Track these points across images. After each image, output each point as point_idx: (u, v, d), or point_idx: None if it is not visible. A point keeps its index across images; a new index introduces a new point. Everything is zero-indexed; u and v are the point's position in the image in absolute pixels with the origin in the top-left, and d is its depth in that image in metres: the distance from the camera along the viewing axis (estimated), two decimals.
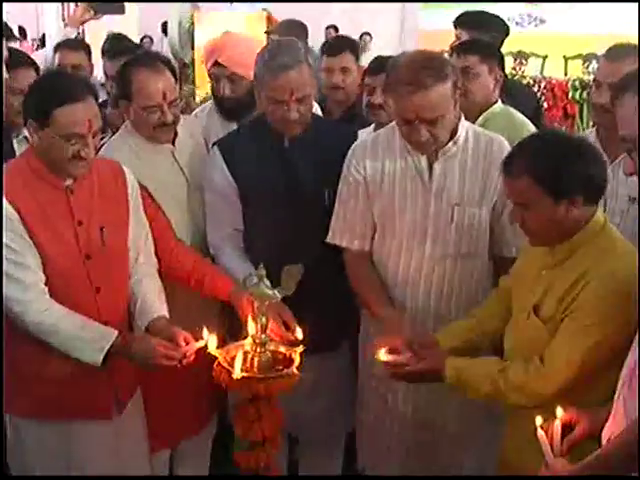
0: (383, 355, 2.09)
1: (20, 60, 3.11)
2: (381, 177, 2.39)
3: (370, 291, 2.40)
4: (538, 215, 1.93)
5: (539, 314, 1.99)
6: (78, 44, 3.50)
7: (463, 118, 2.40)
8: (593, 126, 2.79)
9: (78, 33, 5.85)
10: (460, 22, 3.73)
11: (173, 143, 2.60)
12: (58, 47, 3.57)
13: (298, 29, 4.51)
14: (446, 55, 3.07)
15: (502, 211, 2.35)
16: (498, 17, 3.96)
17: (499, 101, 3.10)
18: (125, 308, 2.35)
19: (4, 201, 2.08)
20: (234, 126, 2.93)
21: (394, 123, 2.37)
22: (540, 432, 1.67)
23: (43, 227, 2.13)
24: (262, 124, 2.53)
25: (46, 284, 2.15)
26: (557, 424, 1.67)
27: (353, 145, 2.47)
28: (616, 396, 1.59)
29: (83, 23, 4.86)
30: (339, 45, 3.55)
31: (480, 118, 2.99)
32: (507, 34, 3.77)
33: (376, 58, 3.25)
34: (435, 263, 2.39)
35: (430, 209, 2.35)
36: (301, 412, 2.36)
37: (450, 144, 2.32)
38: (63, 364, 2.17)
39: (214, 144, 2.61)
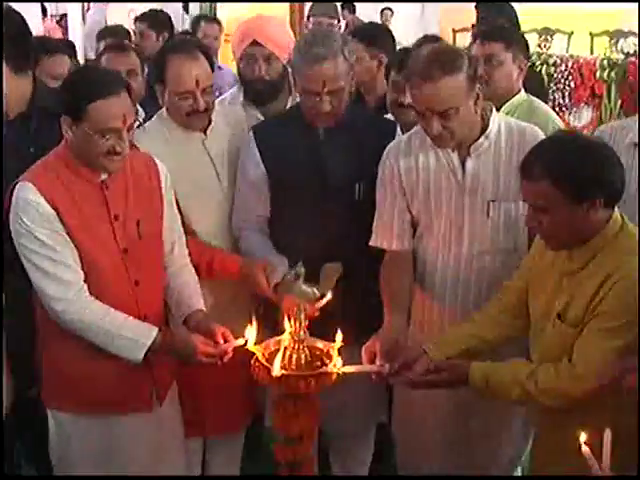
0: (344, 367, 2.03)
1: (55, 46, 3.15)
2: (416, 175, 2.38)
3: (390, 295, 2.39)
4: (557, 218, 1.91)
5: (565, 320, 1.98)
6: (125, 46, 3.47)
7: (495, 111, 2.37)
8: (620, 109, 2.73)
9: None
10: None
11: (205, 132, 2.59)
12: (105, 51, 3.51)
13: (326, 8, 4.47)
14: (469, 36, 3.04)
15: None
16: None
17: (522, 90, 3.06)
18: (162, 300, 2.37)
19: (41, 198, 2.08)
20: (258, 114, 2.93)
21: None
22: (585, 448, 1.65)
23: (80, 223, 2.13)
24: (299, 113, 2.53)
25: (85, 280, 2.15)
26: (607, 434, 1.63)
27: (388, 146, 2.46)
28: None
29: None
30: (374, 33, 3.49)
31: (503, 107, 2.94)
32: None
33: (400, 52, 3.13)
34: (473, 259, 2.38)
35: (465, 206, 2.34)
36: (329, 404, 2.36)
37: (482, 139, 2.31)
38: (104, 360, 2.19)
39: (251, 129, 2.61)
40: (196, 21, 4.92)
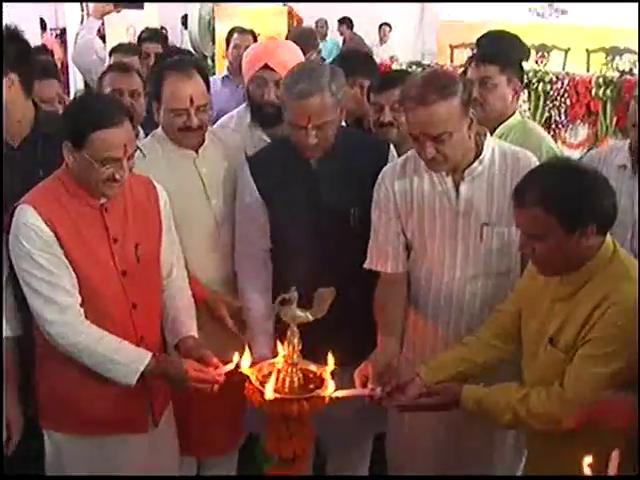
0: (335, 392, 2.03)
1: (45, 69, 3.18)
2: (411, 199, 2.41)
3: (384, 319, 2.40)
4: (550, 246, 1.92)
5: (557, 345, 1.99)
6: (129, 67, 3.49)
7: (489, 136, 2.40)
8: (616, 127, 2.75)
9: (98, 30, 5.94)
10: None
11: (197, 151, 2.62)
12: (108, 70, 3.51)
13: (307, 38, 4.48)
14: (468, 51, 3.07)
15: None
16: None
17: (517, 112, 3.09)
18: (159, 323, 2.40)
19: (41, 222, 2.10)
20: (263, 136, 2.97)
21: None
22: (587, 470, 1.65)
23: (79, 246, 2.16)
24: (292, 143, 2.54)
25: (82, 304, 2.18)
26: (615, 455, 1.63)
27: (384, 169, 2.48)
28: None
29: (105, 15, 4.94)
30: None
31: (497, 130, 2.98)
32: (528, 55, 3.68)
33: (380, 76, 3.17)
34: (466, 282, 2.40)
35: (459, 229, 2.36)
36: (329, 414, 2.38)
37: (475, 163, 2.33)
38: (101, 381, 2.20)
39: (246, 159, 2.63)
40: (230, 33, 4.93)
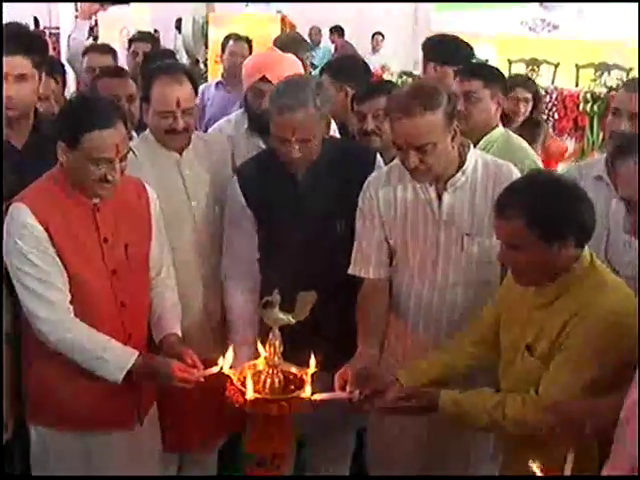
0: (315, 395, 2.08)
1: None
2: (394, 207, 2.45)
3: (365, 324, 2.44)
4: (529, 257, 1.95)
5: (534, 354, 2.03)
6: (123, 72, 3.51)
7: (472, 148, 2.45)
8: (603, 141, 2.82)
9: (91, 30, 5.97)
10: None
11: (182, 153, 2.66)
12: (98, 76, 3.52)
13: (298, 43, 4.51)
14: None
15: None
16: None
17: (500, 125, 3.15)
18: (146, 321, 2.43)
19: (34, 220, 2.14)
20: (260, 143, 3.04)
21: None
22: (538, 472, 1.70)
23: (70, 245, 2.20)
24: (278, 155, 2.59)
25: (72, 301, 2.22)
26: (570, 457, 1.68)
27: (369, 177, 2.52)
28: (615, 438, 1.62)
29: (93, 14, 4.96)
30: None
31: (481, 142, 3.03)
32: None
33: (362, 86, 3.21)
34: (447, 291, 2.44)
35: (440, 239, 2.41)
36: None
37: (459, 174, 2.38)
38: (88, 378, 2.24)
39: (235, 169, 2.69)
40: (225, 39, 5.01)
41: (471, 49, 3.76)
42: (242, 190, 2.60)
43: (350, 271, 2.52)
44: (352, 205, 2.52)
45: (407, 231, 2.44)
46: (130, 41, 4.84)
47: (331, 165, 2.55)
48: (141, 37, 4.84)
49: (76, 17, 6.85)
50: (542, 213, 1.91)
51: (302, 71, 3.18)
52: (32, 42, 2.50)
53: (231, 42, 4.86)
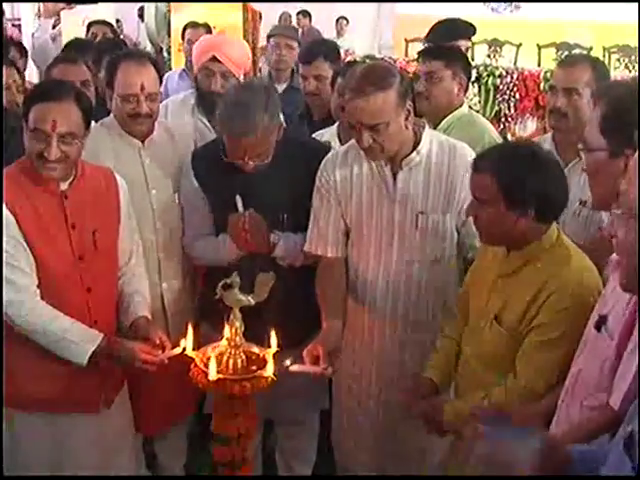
0: (292, 365, 2.19)
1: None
2: (350, 186, 2.50)
3: (326, 301, 2.52)
4: (490, 215, 2.04)
5: (502, 324, 2.09)
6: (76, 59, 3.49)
7: (428, 127, 2.51)
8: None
9: (55, 21, 5.92)
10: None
11: (144, 142, 2.69)
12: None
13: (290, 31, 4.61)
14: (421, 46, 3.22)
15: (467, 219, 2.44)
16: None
17: (464, 105, 3.21)
18: (114, 307, 2.48)
19: (2, 206, 2.18)
20: (205, 121, 3.14)
21: None
22: None
23: (38, 230, 2.24)
24: None
25: (39, 285, 2.26)
26: None
27: (325, 157, 2.57)
28: (560, 400, 1.70)
29: (57, 13, 4.93)
30: (312, 52, 3.56)
31: (444, 122, 3.11)
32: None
33: (349, 62, 3.34)
34: (402, 269, 2.50)
35: (395, 217, 2.46)
36: (274, 393, 2.48)
37: (414, 154, 2.43)
38: (55, 361, 2.29)
39: (191, 154, 2.72)
40: (184, 28, 5.03)
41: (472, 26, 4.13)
42: (195, 174, 2.65)
43: (306, 249, 2.57)
44: (300, 200, 2.57)
45: (362, 210, 2.50)
46: (89, 25, 4.83)
47: (283, 160, 2.56)
48: (99, 21, 4.85)
49: (38, 16, 6.78)
50: (511, 174, 1.99)
51: (249, 54, 3.31)
52: None
53: (189, 30, 4.88)
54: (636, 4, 6.98)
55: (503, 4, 11.13)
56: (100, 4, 7.89)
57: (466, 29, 4.10)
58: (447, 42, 3.65)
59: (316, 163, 2.57)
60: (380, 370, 2.61)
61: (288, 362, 2.17)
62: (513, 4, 11.07)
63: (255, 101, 2.46)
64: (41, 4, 5.62)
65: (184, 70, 4.74)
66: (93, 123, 2.82)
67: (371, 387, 2.63)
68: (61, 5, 4.67)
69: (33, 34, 4.59)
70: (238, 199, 2.46)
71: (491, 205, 2.02)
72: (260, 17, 8.19)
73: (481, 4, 10.96)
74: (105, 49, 3.73)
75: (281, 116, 2.64)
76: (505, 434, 1.45)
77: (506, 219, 2.01)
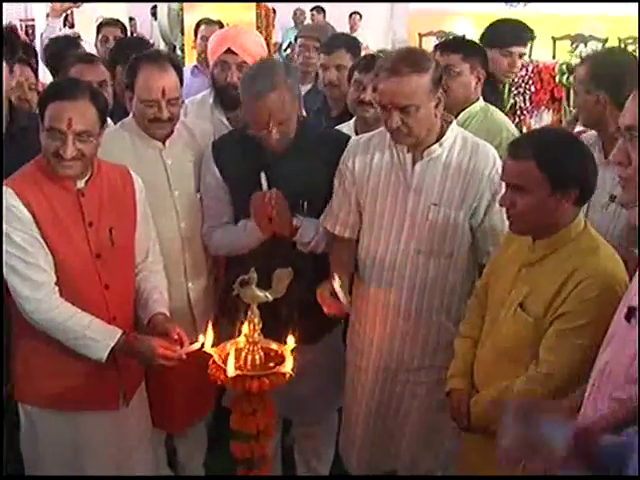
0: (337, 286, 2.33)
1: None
2: (368, 170, 2.52)
3: (336, 262, 2.58)
4: (531, 201, 2.02)
5: (526, 311, 2.07)
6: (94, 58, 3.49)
7: (455, 124, 2.51)
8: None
9: (66, 19, 5.92)
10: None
11: (165, 142, 2.68)
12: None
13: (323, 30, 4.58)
14: (434, 40, 3.18)
15: (483, 218, 2.46)
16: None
17: (480, 99, 3.19)
18: (132, 303, 2.48)
19: (20, 203, 2.19)
20: (223, 119, 3.12)
21: None
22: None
23: (55, 228, 2.25)
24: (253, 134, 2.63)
25: (57, 283, 2.27)
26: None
27: (351, 140, 2.62)
28: (587, 394, 1.68)
29: (64, 12, 4.92)
30: (334, 43, 3.58)
31: (461, 115, 3.08)
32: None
33: (365, 56, 3.30)
34: (408, 258, 2.50)
35: (408, 205, 2.47)
36: (293, 393, 2.48)
37: (436, 145, 2.43)
38: (74, 358, 2.30)
39: (210, 144, 2.72)
40: (197, 25, 5.02)
41: (531, 31, 3.89)
42: (216, 163, 2.65)
43: (321, 222, 2.62)
44: (319, 186, 2.60)
45: (378, 195, 2.52)
46: (99, 27, 4.82)
47: (303, 147, 2.59)
48: (110, 22, 4.83)
49: (47, 15, 6.78)
50: (554, 158, 2.00)
51: (264, 45, 3.28)
52: None
53: (203, 26, 4.86)
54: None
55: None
56: (114, 3, 7.95)
57: (525, 34, 3.86)
58: (503, 47, 3.59)
59: (337, 151, 2.60)
60: (380, 360, 2.62)
61: (337, 281, 2.31)
62: None
63: (275, 65, 2.58)
64: (49, 5, 5.62)
65: (196, 66, 4.74)
66: (112, 124, 2.86)
67: (374, 378, 2.65)
68: (67, 5, 4.64)
69: (42, 34, 4.58)
70: (263, 177, 2.48)
71: (533, 191, 2.01)
72: (274, 12, 8.21)
73: None
74: (123, 47, 3.72)
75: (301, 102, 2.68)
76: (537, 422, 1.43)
77: (549, 204, 2.01)
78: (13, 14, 11.10)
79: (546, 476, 1.59)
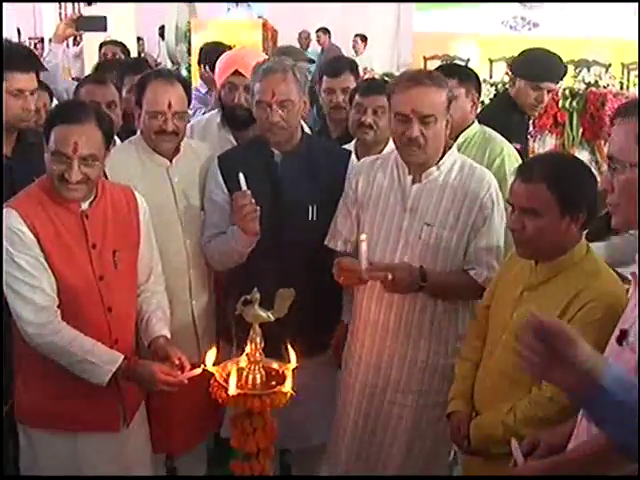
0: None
1: None
2: (370, 190, 2.60)
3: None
4: (541, 224, 2.04)
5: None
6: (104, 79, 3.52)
7: (454, 149, 2.56)
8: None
9: (76, 40, 5.97)
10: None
11: (172, 160, 2.71)
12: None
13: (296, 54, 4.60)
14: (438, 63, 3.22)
15: (474, 241, 2.50)
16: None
17: (475, 122, 3.25)
18: (134, 326, 2.49)
19: (24, 226, 2.20)
20: (230, 138, 3.15)
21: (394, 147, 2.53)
22: (514, 441, 1.79)
23: (59, 250, 2.25)
24: (259, 142, 2.73)
25: (60, 305, 2.27)
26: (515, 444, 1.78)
27: (357, 162, 2.72)
28: (579, 416, 1.69)
29: (67, 38, 4.98)
30: (340, 66, 3.62)
31: (460, 138, 3.13)
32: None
33: (367, 79, 3.36)
34: None
35: (404, 224, 2.53)
36: (290, 420, 2.47)
37: (433, 168, 2.49)
38: (74, 380, 2.29)
39: (216, 157, 2.77)
40: (201, 49, 5.05)
41: (565, 67, 3.79)
42: (222, 174, 2.71)
43: (326, 242, 2.69)
44: (324, 194, 2.68)
45: (376, 214, 2.58)
46: (101, 45, 4.91)
47: (308, 156, 2.69)
48: (111, 41, 4.93)
49: (49, 41, 6.85)
50: (565, 181, 2.02)
51: None
52: (35, 60, 2.63)
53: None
54: None
55: (521, 22, 11.14)
56: (122, 22, 8.03)
57: (558, 71, 3.79)
58: (534, 81, 3.57)
59: (340, 163, 2.72)
60: (367, 375, 2.65)
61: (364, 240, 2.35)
62: (531, 22, 11.07)
63: (286, 60, 2.71)
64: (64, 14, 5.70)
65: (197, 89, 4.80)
66: (119, 141, 2.89)
67: (361, 393, 2.67)
68: (70, 31, 4.70)
69: (44, 58, 4.63)
70: (241, 177, 2.50)
71: (544, 214, 2.03)
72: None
73: (499, 23, 10.98)
74: (128, 67, 3.77)
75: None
76: None
77: (558, 227, 2.03)
78: (23, 32, 11.27)
79: (544, 476, 1.61)
